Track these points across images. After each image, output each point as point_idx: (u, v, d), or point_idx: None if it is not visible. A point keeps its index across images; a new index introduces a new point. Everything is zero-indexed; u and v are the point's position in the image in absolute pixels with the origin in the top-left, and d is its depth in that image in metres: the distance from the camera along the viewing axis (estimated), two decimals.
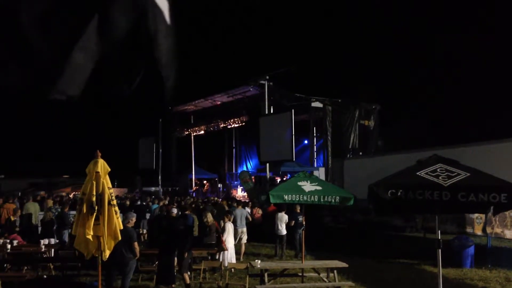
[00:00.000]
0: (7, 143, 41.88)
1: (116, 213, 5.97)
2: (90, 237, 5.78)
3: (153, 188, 31.78)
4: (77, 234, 5.96)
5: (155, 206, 16.92)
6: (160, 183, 31.92)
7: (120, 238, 6.08)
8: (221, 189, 30.27)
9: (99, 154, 5.94)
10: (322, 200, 8.78)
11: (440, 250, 6.15)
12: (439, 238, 6.15)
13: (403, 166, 6.66)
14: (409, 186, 5.64)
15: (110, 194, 5.92)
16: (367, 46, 35.97)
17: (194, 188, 31.04)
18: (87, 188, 5.86)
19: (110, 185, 5.98)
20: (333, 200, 8.84)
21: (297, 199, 8.84)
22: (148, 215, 15.80)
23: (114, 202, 6.00)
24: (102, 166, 5.90)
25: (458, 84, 27.79)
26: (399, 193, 5.56)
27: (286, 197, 8.88)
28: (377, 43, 35.55)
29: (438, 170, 5.96)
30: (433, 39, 31.19)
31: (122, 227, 6.21)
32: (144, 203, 18.27)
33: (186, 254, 9.03)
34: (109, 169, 5.97)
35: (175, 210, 11.82)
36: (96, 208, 5.78)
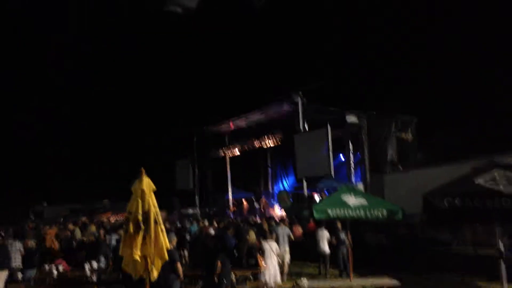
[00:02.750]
0: (48, 170, 43.25)
1: (162, 232, 5.86)
2: (137, 257, 5.67)
3: (190, 210, 31.87)
4: (125, 255, 5.86)
5: (194, 227, 16.89)
6: (197, 204, 32.01)
7: (167, 258, 5.95)
8: (257, 208, 30.01)
9: (143, 171, 5.87)
10: (368, 214, 8.46)
11: (502, 260, 5.74)
12: (501, 248, 5.76)
13: (447, 179, 6.31)
14: (467, 194, 5.32)
15: (156, 212, 5.83)
16: (399, 56, 35.40)
17: (231, 208, 30.94)
18: (133, 207, 5.78)
19: (155, 204, 5.89)
20: (380, 214, 8.50)
21: (342, 214, 8.55)
22: (188, 237, 15.74)
23: (160, 220, 5.91)
24: (147, 184, 5.83)
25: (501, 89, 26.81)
26: (456, 201, 5.24)
27: (330, 212, 8.61)
28: (410, 53, 34.90)
29: (496, 176, 5.61)
30: (467, 49, 30.39)
31: (169, 247, 6.08)
32: (182, 226, 18.28)
33: (216, 277, 8.77)
34: (154, 188, 5.89)
35: (212, 231, 11.73)
36: (142, 227, 5.69)
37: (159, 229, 5.82)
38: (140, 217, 5.68)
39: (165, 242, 5.90)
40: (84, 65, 51.39)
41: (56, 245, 15.14)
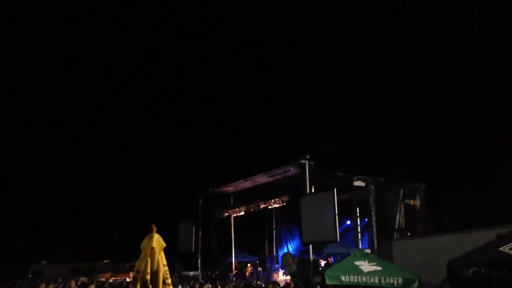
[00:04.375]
0: (48, 229, 42.59)
1: None
2: None
3: (191, 273, 30.96)
4: None
5: None
6: (199, 267, 31.10)
7: None
8: (261, 272, 29.12)
9: (155, 228, 5.64)
10: (383, 281, 8.08)
11: None
12: None
13: (460, 247, 6.06)
14: (493, 263, 5.03)
15: (165, 272, 5.55)
16: (408, 124, 35.58)
17: (234, 271, 30.04)
18: (141, 265, 5.50)
19: (165, 262, 5.61)
20: (395, 282, 8.11)
21: (355, 281, 8.18)
22: None
23: (169, 281, 5.61)
24: (157, 241, 5.59)
25: None
26: (482, 271, 4.95)
27: (343, 278, 8.25)
28: (418, 121, 35.12)
29: None
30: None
31: None
32: None
33: None
34: (165, 245, 5.65)
35: None
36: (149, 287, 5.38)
37: None
38: (148, 277, 5.39)
39: None
40: (97, 125, 52.17)
41: None
